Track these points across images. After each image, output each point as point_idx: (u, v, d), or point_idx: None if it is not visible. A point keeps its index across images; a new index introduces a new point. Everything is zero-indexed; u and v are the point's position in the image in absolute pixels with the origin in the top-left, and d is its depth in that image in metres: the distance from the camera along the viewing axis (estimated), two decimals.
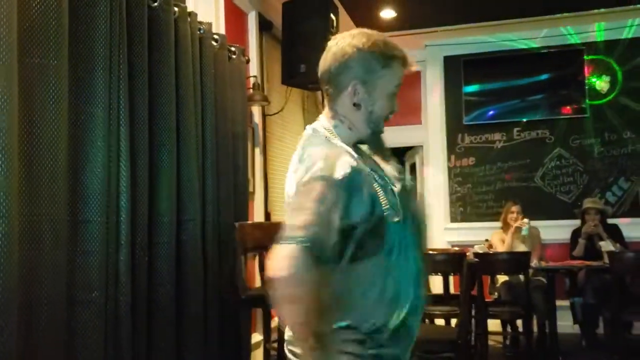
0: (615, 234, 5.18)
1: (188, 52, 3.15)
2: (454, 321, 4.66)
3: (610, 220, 5.39)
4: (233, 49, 3.81)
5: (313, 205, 1.29)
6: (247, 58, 4.20)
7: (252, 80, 4.39)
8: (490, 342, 4.99)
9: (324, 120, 1.49)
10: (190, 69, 3.16)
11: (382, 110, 1.52)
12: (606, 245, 4.81)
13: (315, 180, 1.32)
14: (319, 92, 6.26)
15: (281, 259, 1.24)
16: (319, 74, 1.48)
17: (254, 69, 4.53)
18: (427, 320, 4.63)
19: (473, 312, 4.79)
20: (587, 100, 6.11)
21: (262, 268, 3.99)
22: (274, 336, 3.76)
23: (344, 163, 1.35)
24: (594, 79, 6.16)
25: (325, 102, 1.50)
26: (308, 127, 1.50)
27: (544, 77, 6.30)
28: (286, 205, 1.44)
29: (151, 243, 2.80)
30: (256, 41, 4.64)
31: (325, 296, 1.29)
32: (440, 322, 4.77)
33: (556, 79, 6.26)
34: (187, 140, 3.09)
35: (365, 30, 1.48)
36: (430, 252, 5.24)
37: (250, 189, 4.38)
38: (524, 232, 5.18)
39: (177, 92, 3.03)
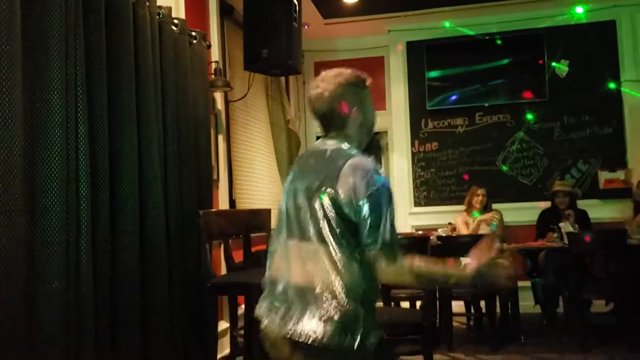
0: (583, 219, 5.31)
1: (147, 37, 3.08)
2: (419, 304, 4.74)
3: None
4: (194, 33, 3.75)
5: (390, 213, 1.71)
6: (208, 43, 4.13)
7: (213, 65, 4.33)
8: (455, 324, 5.08)
9: (338, 143, 1.81)
10: (150, 54, 3.09)
11: (373, 118, 1.93)
12: (565, 227, 4.93)
13: (383, 188, 1.69)
14: (282, 78, 6.23)
15: (388, 271, 1.66)
16: (319, 113, 1.84)
17: (215, 54, 4.47)
18: (392, 304, 4.69)
19: (437, 295, 4.88)
20: (547, 85, 6.23)
21: (227, 256, 3.97)
22: (241, 323, 3.75)
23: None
24: (553, 64, 6.28)
25: (330, 131, 1.85)
26: (332, 143, 1.82)
27: (505, 61, 6.39)
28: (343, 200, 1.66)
29: (114, 232, 2.75)
30: (217, 26, 4.57)
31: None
32: (405, 304, 4.84)
33: (517, 64, 6.36)
34: (148, 126, 3.04)
35: (338, 69, 1.89)
36: None
37: (214, 177, 4.34)
38: (493, 228, 5.26)
39: (136, 77, 2.96)
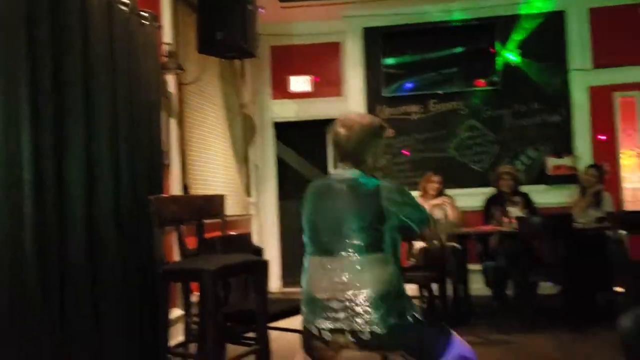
0: (527, 202, 5.44)
1: (95, 17, 2.98)
2: None
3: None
4: (144, 14, 3.64)
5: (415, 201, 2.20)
6: (159, 24, 4.03)
7: (165, 47, 4.22)
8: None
9: (353, 169, 2.19)
10: (98, 34, 2.99)
11: (381, 162, 2.27)
12: (515, 211, 5.05)
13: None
14: (238, 62, 6.15)
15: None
16: (344, 150, 2.20)
17: (167, 36, 4.36)
18: None
19: None
20: (498, 73, 6.35)
21: (180, 242, 3.91)
22: (195, 310, 3.70)
23: None
24: (505, 52, 6.40)
25: (347, 162, 2.21)
26: (350, 175, 2.18)
27: (458, 50, 6.49)
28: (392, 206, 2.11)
29: (61, 219, 2.66)
30: (170, 7, 4.45)
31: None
32: None
33: (470, 52, 6.46)
34: (97, 109, 2.94)
35: (368, 115, 2.30)
36: None
37: (166, 161, 4.25)
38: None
39: (84, 59, 2.86)
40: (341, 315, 2.00)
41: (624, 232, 3.86)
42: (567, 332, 4.41)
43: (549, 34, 6.35)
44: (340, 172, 2.22)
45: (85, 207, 2.80)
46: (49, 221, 2.55)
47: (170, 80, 4.47)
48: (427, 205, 5.29)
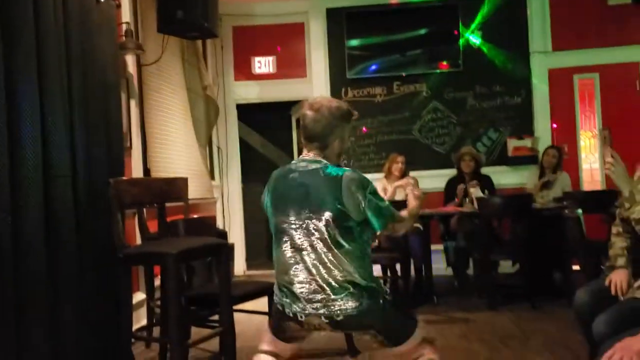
0: (487, 184, 5.54)
1: None
2: None
3: (483, 171, 5.73)
4: None
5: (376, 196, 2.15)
6: (117, 2, 3.92)
7: (124, 27, 4.12)
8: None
9: (320, 163, 2.17)
10: (51, 11, 2.88)
11: (346, 147, 2.30)
12: (476, 192, 5.14)
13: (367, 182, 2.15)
14: (199, 42, 6.05)
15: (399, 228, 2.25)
16: (311, 133, 2.18)
17: (126, 14, 4.24)
18: None
19: None
20: (461, 55, 6.41)
21: (142, 225, 3.85)
22: (158, 294, 3.67)
23: None
24: (467, 34, 6.46)
25: (312, 148, 2.21)
26: (316, 165, 2.16)
27: (422, 31, 6.51)
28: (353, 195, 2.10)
29: (15, 204, 2.58)
30: None
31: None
32: None
33: (434, 34, 6.50)
34: (51, 89, 2.85)
35: (336, 100, 2.24)
36: None
37: (127, 144, 4.17)
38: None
39: (36, 36, 2.76)
40: (315, 300, 2.07)
41: (580, 212, 3.96)
42: (525, 309, 4.53)
43: (510, 17, 6.44)
44: (305, 161, 2.19)
45: (41, 190, 2.73)
46: (2, 205, 2.47)
47: (129, 60, 4.37)
48: (391, 186, 5.35)
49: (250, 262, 7.19)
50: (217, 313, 3.40)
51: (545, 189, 5.51)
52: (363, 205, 2.09)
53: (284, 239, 2.15)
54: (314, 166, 2.16)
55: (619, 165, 2.14)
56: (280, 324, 2.22)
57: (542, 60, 6.40)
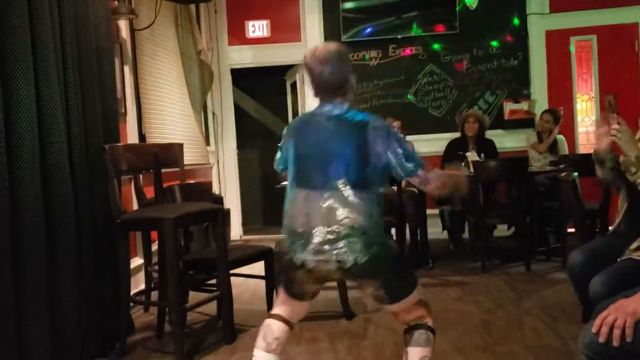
0: (490, 148, 5.52)
1: None
2: None
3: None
4: None
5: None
6: None
7: None
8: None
9: (347, 108, 2.20)
10: None
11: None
12: (472, 156, 5.14)
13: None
14: (193, 7, 5.95)
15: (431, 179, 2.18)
16: (331, 84, 2.18)
17: None
18: None
19: None
20: (457, 17, 6.33)
21: (138, 191, 3.86)
22: (155, 259, 3.70)
23: None
24: None
25: (335, 97, 2.20)
26: (340, 111, 2.18)
27: None
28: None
29: (11, 168, 2.57)
30: None
31: None
32: None
33: None
34: (44, 54, 2.80)
35: (335, 45, 2.24)
36: None
37: (122, 110, 4.14)
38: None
39: (28, 1, 2.71)
40: (326, 245, 2.06)
41: (576, 175, 3.97)
42: (520, 272, 4.59)
43: None
44: (328, 108, 2.20)
45: (36, 155, 2.71)
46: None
47: (123, 25, 4.30)
48: None
49: (247, 227, 7.23)
50: (214, 277, 3.45)
51: (546, 153, 5.51)
52: (388, 150, 2.10)
53: (303, 183, 2.16)
54: (337, 111, 2.18)
55: (626, 132, 2.13)
56: (289, 275, 2.20)
57: (539, 22, 6.32)
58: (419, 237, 5.11)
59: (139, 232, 4.02)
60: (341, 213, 2.06)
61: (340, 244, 2.05)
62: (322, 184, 2.10)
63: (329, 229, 2.06)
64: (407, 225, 5.00)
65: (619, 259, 2.18)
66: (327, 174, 2.10)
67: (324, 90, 2.20)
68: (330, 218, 2.07)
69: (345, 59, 2.22)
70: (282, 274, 2.26)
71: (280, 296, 2.29)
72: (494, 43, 6.37)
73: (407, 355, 2.16)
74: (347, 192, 2.08)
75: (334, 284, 3.64)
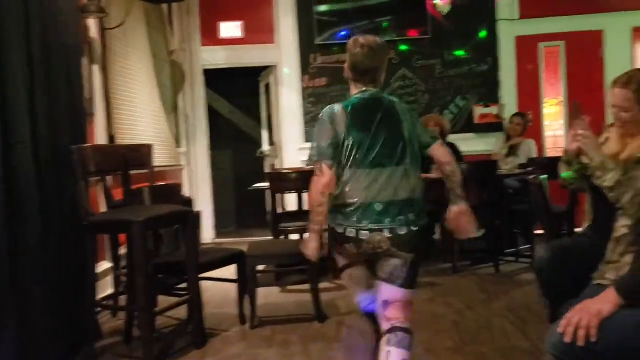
0: (453, 151, 5.56)
1: None
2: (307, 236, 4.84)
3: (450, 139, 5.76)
4: None
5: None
6: None
7: None
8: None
9: (386, 95, 2.47)
10: None
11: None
12: None
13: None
14: (165, 7, 5.90)
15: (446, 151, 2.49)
16: (365, 67, 2.39)
17: None
18: (282, 236, 4.76)
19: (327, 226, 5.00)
20: (429, 23, 6.39)
21: (106, 193, 3.80)
22: (124, 263, 3.64)
23: None
24: (435, 1, 6.43)
25: (370, 84, 2.41)
26: (383, 96, 2.43)
27: None
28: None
29: None
30: None
31: None
32: (295, 237, 4.93)
33: (402, 1, 6.44)
34: (10, 52, 2.75)
35: (380, 38, 2.47)
36: (285, 171, 5.32)
37: (91, 110, 4.07)
38: None
39: None
40: (386, 215, 2.24)
41: (544, 177, 4.04)
42: (490, 273, 4.64)
43: None
44: (368, 92, 2.40)
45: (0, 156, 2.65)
46: None
47: (92, 24, 4.23)
48: None
49: (219, 230, 7.17)
50: (184, 281, 3.40)
51: (511, 155, 5.59)
52: (414, 124, 2.39)
53: (364, 162, 2.28)
54: (377, 95, 2.41)
55: (591, 138, 2.17)
56: (340, 250, 2.35)
57: (509, 28, 6.42)
58: None
59: (107, 235, 3.95)
60: (400, 188, 2.28)
61: (399, 214, 2.25)
62: (383, 163, 2.28)
63: (391, 200, 2.25)
64: None
65: (591, 283, 2.17)
66: (388, 155, 2.30)
67: (358, 72, 2.39)
68: (392, 190, 2.26)
69: (386, 49, 2.45)
70: (335, 243, 2.36)
71: (341, 255, 2.41)
72: (464, 49, 6.45)
73: (387, 355, 2.20)
74: (405, 170, 2.30)
75: (307, 287, 3.64)
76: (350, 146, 2.30)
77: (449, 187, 2.46)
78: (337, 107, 2.36)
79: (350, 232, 2.25)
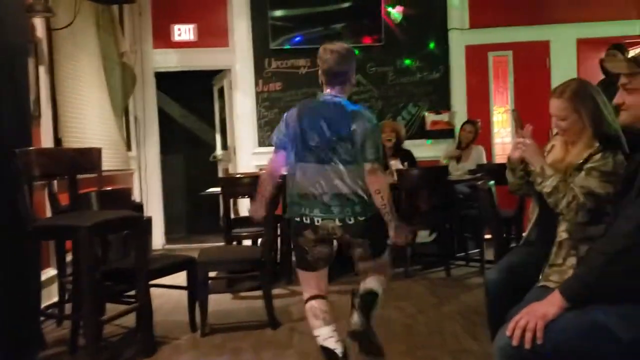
0: (408, 158, 5.64)
1: None
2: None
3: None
4: None
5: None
6: None
7: None
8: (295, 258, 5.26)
9: (342, 98, 2.69)
10: None
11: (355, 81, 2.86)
12: (396, 164, 5.25)
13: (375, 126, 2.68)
14: (116, 8, 5.78)
15: (379, 175, 2.60)
16: (333, 70, 2.64)
17: None
18: (234, 242, 4.71)
19: (279, 232, 4.99)
20: (383, 30, 6.47)
21: (52, 198, 3.68)
22: (70, 270, 3.53)
23: None
24: (389, 9, 6.52)
25: (334, 85, 2.68)
26: (338, 99, 2.67)
27: (346, 5, 6.50)
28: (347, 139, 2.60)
29: None
30: None
31: None
32: (247, 242, 4.90)
33: (357, 8, 6.50)
34: None
35: (346, 44, 2.76)
36: (238, 175, 5.28)
37: (36, 112, 3.94)
38: None
39: None
40: (334, 206, 2.57)
41: (492, 183, 4.13)
42: (441, 277, 4.72)
43: None
44: (329, 96, 2.68)
45: None
46: None
47: (38, 23, 4.10)
48: None
49: (170, 236, 7.05)
50: (133, 288, 3.32)
51: (460, 162, 5.71)
52: (365, 134, 2.56)
53: (309, 157, 2.62)
54: (337, 100, 2.66)
55: (530, 145, 2.24)
56: (297, 239, 2.67)
57: (459, 37, 6.57)
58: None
59: (53, 241, 3.82)
60: (344, 181, 2.58)
61: (345, 204, 2.58)
62: (325, 159, 2.59)
63: (336, 193, 2.57)
64: None
65: (536, 284, 2.22)
66: (329, 152, 2.59)
67: (328, 75, 2.66)
68: (336, 185, 2.58)
69: (350, 56, 2.70)
70: (296, 249, 2.73)
71: (303, 279, 2.77)
72: (416, 57, 6.56)
73: (364, 282, 2.73)
74: (346, 163, 2.58)
75: (259, 293, 3.61)
76: (294, 140, 2.65)
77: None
78: (293, 108, 2.72)
79: (306, 219, 2.61)
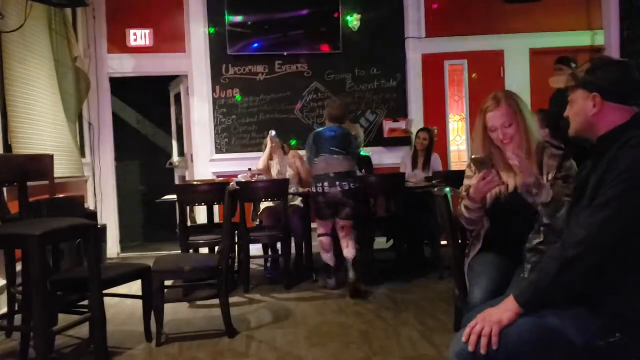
0: (366, 164, 5.70)
1: None
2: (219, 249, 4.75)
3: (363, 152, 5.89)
4: None
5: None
6: None
7: None
8: (253, 266, 5.23)
9: (343, 128, 4.80)
10: None
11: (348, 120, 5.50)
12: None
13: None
14: (69, 11, 5.65)
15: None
16: (336, 114, 4.76)
17: None
18: (191, 250, 4.65)
19: (237, 239, 4.95)
20: (341, 38, 6.52)
21: (1, 205, 3.55)
22: (20, 280, 3.41)
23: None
24: (347, 17, 6.57)
25: (336, 122, 4.76)
26: (339, 127, 4.74)
27: (304, 12, 6.52)
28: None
29: None
30: None
31: None
32: (204, 250, 4.83)
33: (315, 15, 6.53)
34: None
35: (342, 99, 5.90)
36: (195, 183, 5.21)
37: None
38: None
39: None
40: (336, 180, 4.45)
41: (448, 190, 4.19)
42: (399, 283, 4.76)
43: (387, 3, 6.64)
44: (332, 126, 4.68)
45: None
46: None
47: None
48: (278, 164, 5.33)
49: (125, 244, 6.90)
50: (86, 298, 3.23)
51: (421, 169, 5.80)
52: (355, 145, 4.70)
53: (324, 156, 4.52)
54: (337, 129, 4.65)
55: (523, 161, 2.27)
56: (316, 201, 4.57)
57: (416, 46, 6.67)
58: (303, 251, 5.14)
59: (1, 250, 3.69)
60: (344, 166, 4.49)
61: (345, 179, 4.46)
62: (333, 154, 4.50)
63: (340, 172, 4.46)
64: (293, 239, 5.03)
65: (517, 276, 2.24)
66: (335, 151, 4.50)
67: (332, 117, 4.72)
68: (340, 168, 4.47)
69: (346, 108, 4.95)
70: (313, 203, 4.72)
71: (319, 222, 4.67)
72: (374, 65, 6.63)
73: (344, 244, 4.62)
74: (344, 157, 4.51)
75: (216, 302, 3.56)
76: (314, 148, 4.61)
77: None
78: (314, 132, 4.75)
79: (319, 189, 4.50)
